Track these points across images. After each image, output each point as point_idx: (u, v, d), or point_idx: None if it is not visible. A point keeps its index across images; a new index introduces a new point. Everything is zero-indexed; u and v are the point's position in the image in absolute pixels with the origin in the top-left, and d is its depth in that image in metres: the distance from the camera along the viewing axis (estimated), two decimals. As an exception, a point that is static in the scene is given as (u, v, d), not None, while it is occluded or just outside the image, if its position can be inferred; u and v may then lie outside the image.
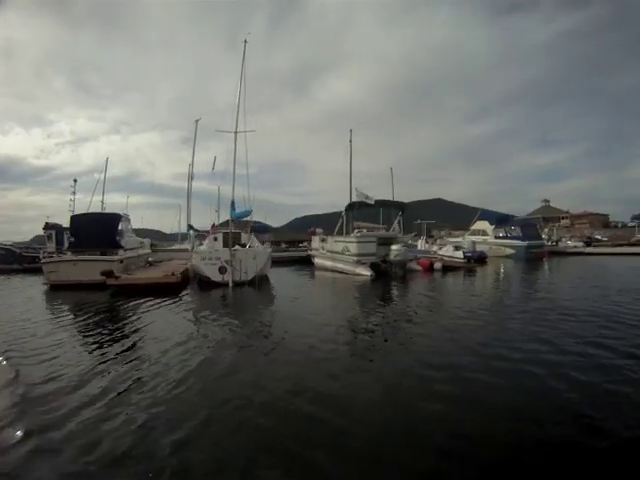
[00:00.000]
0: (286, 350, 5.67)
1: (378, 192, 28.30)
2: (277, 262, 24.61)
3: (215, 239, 14.14)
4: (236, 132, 18.37)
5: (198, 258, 13.89)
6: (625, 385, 4.04)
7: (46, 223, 22.92)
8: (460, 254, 18.68)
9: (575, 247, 28.92)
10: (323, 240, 19.69)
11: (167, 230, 46.74)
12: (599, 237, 36.04)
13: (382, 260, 15.76)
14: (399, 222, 19.21)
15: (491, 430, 3.23)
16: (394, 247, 15.52)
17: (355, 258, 15.62)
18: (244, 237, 15.68)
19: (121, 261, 15.40)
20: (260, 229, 16.41)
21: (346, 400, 3.85)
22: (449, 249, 19.61)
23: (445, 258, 19.17)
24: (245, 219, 16.38)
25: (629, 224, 36.69)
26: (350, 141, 22.93)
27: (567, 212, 55.26)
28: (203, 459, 2.88)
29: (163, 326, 7.61)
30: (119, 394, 4.11)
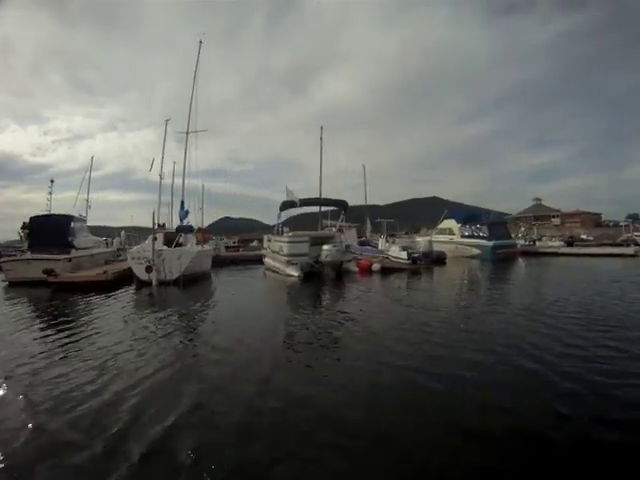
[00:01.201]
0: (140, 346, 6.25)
1: (371, 191, 28.77)
2: (254, 261, 25.11)
3: (156, 239, 14.90)
4: (187, 132, 19.24)
5: (129, 257, 14.79)
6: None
7: (23, 223, 24.33)
8: (404, 255, 18.54)
9: (550, 247, 28.17)
10: (269, 240, 20.17)
11: (161, 227, 48.30)
12: (584, 236, 34.98)
13: (315, 261, 15.95)
14: (342, 220, 19.54)
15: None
16: (325, 247, 15.58)
17: (286, 258, 15.99)
18: (184, 237, 16.47)
19: (69, 260, 16.48)
20: (185, 229, 17.09)
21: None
22: (395, 249, 19.48)
23: (392, 259, 19.26)
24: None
25: (620, 223, 35.40)
26: (321, 138, 23.58)
27: (558, 211, 53.85)
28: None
29: (71, 318, 9.01)
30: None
